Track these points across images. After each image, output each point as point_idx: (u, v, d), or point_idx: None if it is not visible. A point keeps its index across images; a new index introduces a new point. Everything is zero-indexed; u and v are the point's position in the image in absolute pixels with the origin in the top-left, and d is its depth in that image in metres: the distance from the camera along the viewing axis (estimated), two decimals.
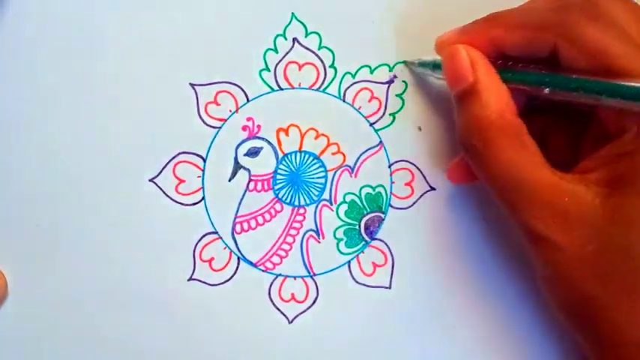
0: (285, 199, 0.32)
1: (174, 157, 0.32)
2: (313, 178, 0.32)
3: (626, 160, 0.25)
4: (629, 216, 0.24)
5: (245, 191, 0.32)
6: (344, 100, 0.32)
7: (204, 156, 0.32)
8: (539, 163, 0.26)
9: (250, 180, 0.32)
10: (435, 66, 0.30)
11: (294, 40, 0.32)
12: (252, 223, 0.32)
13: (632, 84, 0.24)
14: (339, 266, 0.32)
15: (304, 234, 0.32)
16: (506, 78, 0.27)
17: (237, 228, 0.32)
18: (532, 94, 0.27)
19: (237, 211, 0.32)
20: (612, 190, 0.25)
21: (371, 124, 0.32)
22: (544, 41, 0.26)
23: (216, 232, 0.32)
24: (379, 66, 0.32)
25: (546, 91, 0.26)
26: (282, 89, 0.32)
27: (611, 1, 0.26)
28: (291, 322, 0.32)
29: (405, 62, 0.32)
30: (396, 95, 0.32)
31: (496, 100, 0.26)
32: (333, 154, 0.32)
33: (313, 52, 0.32)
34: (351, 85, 0.32)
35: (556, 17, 0.26)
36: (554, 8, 0.26)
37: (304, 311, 0.32)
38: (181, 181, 0.32)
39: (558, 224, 0.25)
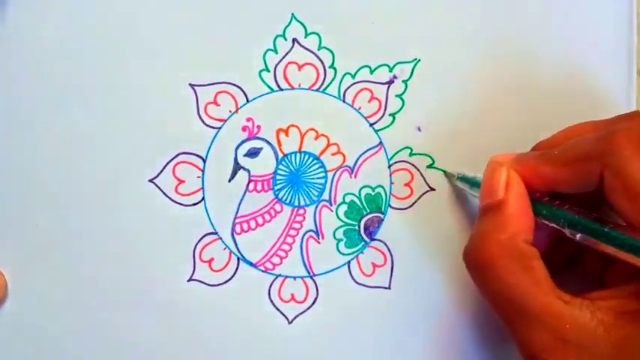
0: (285, 200, 0.32)
1: (173, 158, 0.32)
2: (313, 179, 0.32)
3: None
4: (635, 350, 0.24)
5: (245, 192, 0.32)
6: (344, 101, 0.32)
7: (203, 156, 0.32)
8: (544, 287, 0.26)
9: (250, 180, 0.32)
10: (474, 184, 0.30)
11: (294, 40, 0.32)
12: (252, 224, 0.32)
13: None
14: (339, 267, 0.32)
15: (304, 234, 0.32)
16: (541, 213, 0.27)
17: (237, 228, 0.32)
18: (565, 235, 0.27)
19: (237, 212, 0.32)
20: (622, 322, 0.25)
21: (371, 125, 0.32)
22: (591, 173, 0.25)
23: (216, 233, 0.32)
24: (379, 66, 0.32)
25: (578, 237, 0.26)
26: (281, 90, 0.32)
27: None
28: (291, 322, 0.32)
29: (444, 172, 0.32)
30: (396, 96, 0.32)
31: (515, 223, 0.26)
32: (333, 154, 0.32)
33: (313, 53, 0.32)
34: (351, 85, 0.32)
35: (602, 146, 0.25)
36: (601, 136, 0.25)
37: (304, 311, 0.32)
38: (181, 181, 0.32)
39: (555, 349, 0.25)
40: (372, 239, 0.32)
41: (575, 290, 0.26)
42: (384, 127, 0.32)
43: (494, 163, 0.29)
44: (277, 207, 0.32)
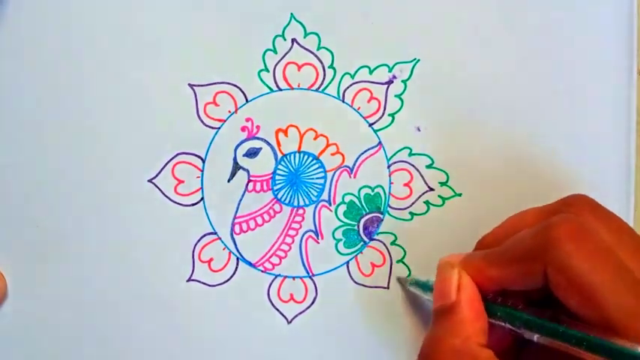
0: (284, 200, 0.32)
1: (173, 158, 0.32)
2: (312, 179, 0.32)
3: None
4: None
5: (244, 192, 0.32)
6: (343, 101, 0.32)
7: (203, 156, 0.32)
8: None
9: (249, 180, 0.32)
10: (427, 288, 0.29)
11: (293, 40, 0.32)
12: (252, 224, 0.32)
13: (621, 345, 0.22)
14: (338, 266, 0.32)
15: (303, 234, 0.32)
16: (496, 315, 0.26)
17: (237, 228, 0.32)
18: (523, 336, 0.26)
19: (237, 212, 0.32)
20: None
21: (370, 125, 0.32)
22: (535, 271, 0.25)
23: (215, 233, 0.32)
24: (378, 66, 0.32)
25: (535, 337, 0.25)
26: (281, 90, 0.32)
27: (597, 220, 0.25)
28: (290, 322, 0.32)
29: (397, 278, 0.32)
30: (395, 96, 0.32)
31: (468, 326, 0.26)
32: (332, 154, 0.32)
33: (312, 53, 0.32)
34: (350, 85, 0.32)
35: (540, 242, 0.24)
36: (539, 232, 0.25)
37: (303, 311, 0.32)
38: (180, 181, 0.32)
39: None
40: (371, 239, 0.32)
41: None
42: (384, 127, 0.32)
43: (445, 264, 0.28)
44: (276, 207, 0.32)
